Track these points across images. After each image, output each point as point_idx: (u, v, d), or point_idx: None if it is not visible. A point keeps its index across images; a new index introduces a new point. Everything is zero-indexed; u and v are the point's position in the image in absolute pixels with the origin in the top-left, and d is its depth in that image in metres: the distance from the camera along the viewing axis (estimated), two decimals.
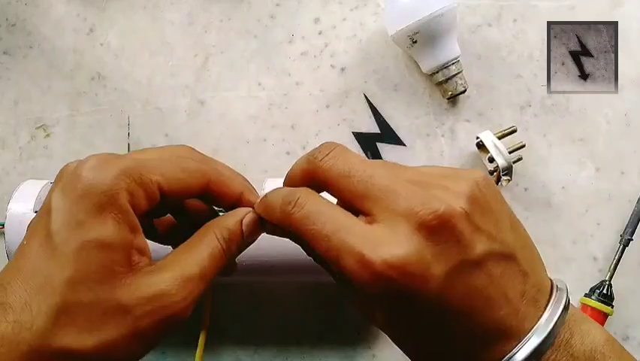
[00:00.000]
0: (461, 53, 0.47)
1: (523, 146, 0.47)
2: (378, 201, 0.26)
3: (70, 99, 0.52)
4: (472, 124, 0.49)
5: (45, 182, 0.43)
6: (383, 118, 0.50)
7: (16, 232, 0.41)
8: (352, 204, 0.27)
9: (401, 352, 0.45)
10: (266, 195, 0.30)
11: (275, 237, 0.31)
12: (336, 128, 0.50)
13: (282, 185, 0.31)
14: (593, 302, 0.45)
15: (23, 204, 0.41)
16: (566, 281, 0.29)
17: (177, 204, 0.32)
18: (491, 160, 0.46)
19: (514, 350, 0.25)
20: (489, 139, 0.46)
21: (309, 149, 0.50)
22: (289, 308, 0.49)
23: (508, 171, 0.45)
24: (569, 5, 0.49)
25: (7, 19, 0.54)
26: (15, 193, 0.42)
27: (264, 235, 0.32)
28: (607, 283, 0.46)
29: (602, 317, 0.45)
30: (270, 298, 0.49)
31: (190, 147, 0.32)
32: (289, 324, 0.49)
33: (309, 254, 0.30)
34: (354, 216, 0.26)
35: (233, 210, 0.31)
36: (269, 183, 0.42)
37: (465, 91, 0.48)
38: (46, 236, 0.26)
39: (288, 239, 0.30)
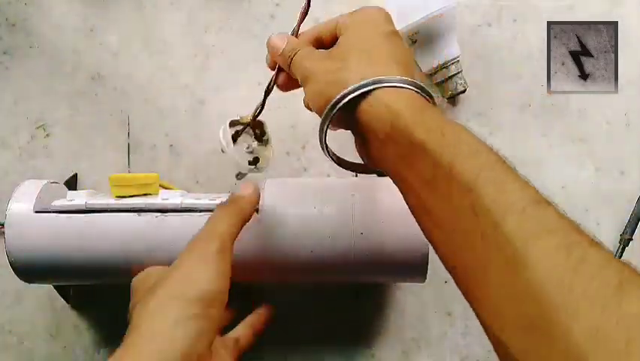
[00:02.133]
0: (461, 53, 0.47)
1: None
2: None
3: (70, 99, 0.52)
4: (472, 124, 0.49)
5: (44, 182, 0.43)
6: None
7: (17, 231, 0.41)
8: None
9: (400, 352, 0.45)
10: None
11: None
12: None
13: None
14: None
15: (23, 204, 0.41)
16: None
17: None
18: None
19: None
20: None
21: (308, 149, 0.50)
22: (289, 308, 0.49)
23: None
24: (568, 5, 0.49)
25: (7, 19, 0.54)
26: (15, 193, 0.42)
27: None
28: None
29: None
30: (270, 299, 0.49)
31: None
32: (289, 324, 0.49)
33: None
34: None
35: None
36: (269, 183, 0.42)
37: (465, 91, 0.48)
38: None
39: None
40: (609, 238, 0.48)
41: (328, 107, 0.32)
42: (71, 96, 0.52)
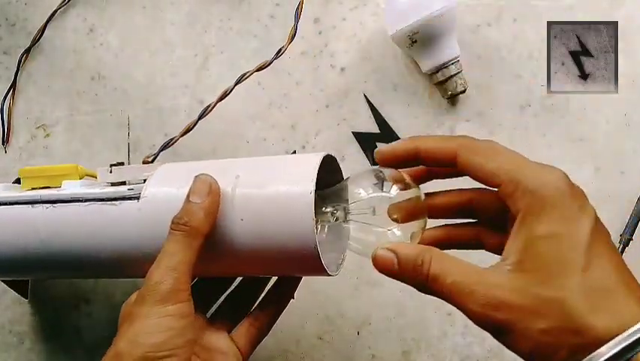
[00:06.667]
0: (461, 53, 0.47)
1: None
2: None
3: (70, 99, 0.52)
4: (472, 124, 0.49)
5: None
6: (383, 118, 0.50)
7: None
8: None
9: (399, 353, 0.45)
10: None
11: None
12: (335, 128, 0.50)
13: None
14: None
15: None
16: None
17: None
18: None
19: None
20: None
21: (308, 149, 0.50)
22: (289, 309, 0.49)
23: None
24: (568, 5, 0.49)
25: (7, 19, 0.54)
26: None
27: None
28: None
29: None
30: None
31: None
32: (289, 324, 0.49)
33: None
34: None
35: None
36: (161, 168, 0.39)
37: (465, 91, 0.48)
38: None
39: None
40: None
41: None
42: (71, 96, 0.52)
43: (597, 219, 0.28)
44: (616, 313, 0.25)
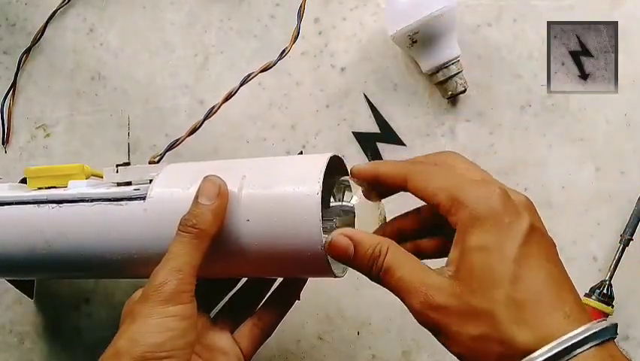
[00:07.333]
0: (461, 53, 0.47)
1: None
2: None
3: (70, 99, 0.52)
4: (472, 124, 0.49)
5: None
6: (383, 118, 0.50)
7: None
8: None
9: (399, 352, 0.45)
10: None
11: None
12: (336, 128, 0.50)
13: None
14: (594, 302, 0.45)
15: None
16: None
17: None
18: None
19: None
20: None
21: (309, 149, 0.50)
22: None
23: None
24: (569, 5, 0.49)
25: (7, 19, 0.54)
26: None
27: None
28: (607, 282, 0.46)
29: (602, 317, 0.45)
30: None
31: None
32: (289, 324, 0.49)
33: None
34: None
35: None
36: (166, 169, 0.39)
37: (465, 91, 0.48)
38: None
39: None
40: (609, 238, 0.48)
41: None
42: (71, 96, 0.52)
43: (532, 233, 0.29)
44: (538, 326, 0.26)
